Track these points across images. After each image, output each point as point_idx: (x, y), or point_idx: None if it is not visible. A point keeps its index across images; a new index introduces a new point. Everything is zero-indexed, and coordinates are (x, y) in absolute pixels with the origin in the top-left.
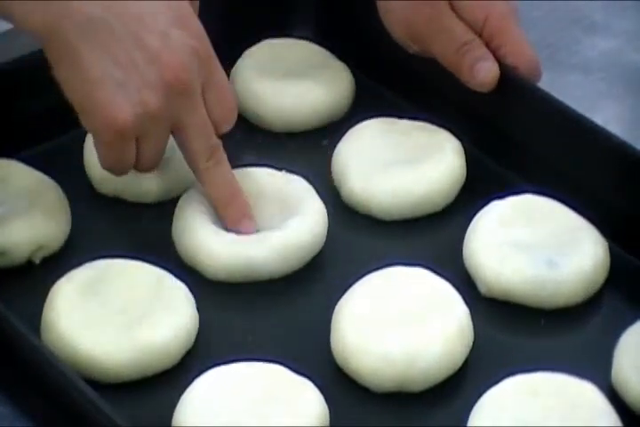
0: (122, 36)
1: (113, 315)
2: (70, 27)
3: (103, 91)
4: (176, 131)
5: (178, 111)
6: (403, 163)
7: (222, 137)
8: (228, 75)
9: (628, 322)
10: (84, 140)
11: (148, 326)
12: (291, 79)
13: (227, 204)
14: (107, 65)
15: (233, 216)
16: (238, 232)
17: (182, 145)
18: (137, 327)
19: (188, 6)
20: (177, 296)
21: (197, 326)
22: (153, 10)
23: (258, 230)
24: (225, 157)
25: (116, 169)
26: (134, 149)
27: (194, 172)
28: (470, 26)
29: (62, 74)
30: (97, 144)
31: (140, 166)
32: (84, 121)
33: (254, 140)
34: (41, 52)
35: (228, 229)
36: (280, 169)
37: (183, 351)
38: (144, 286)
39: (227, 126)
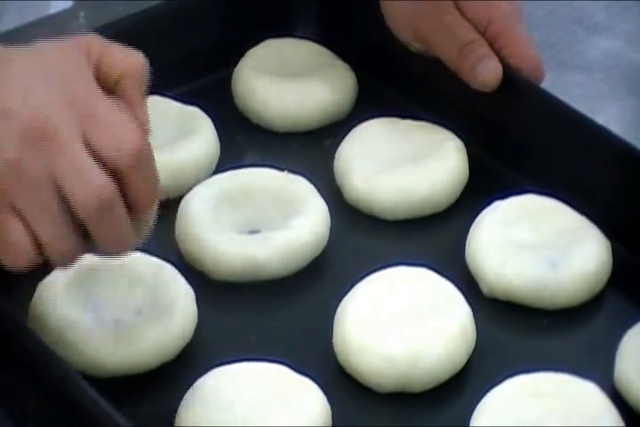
0: None
1: (111, 309)
2: None
3: None
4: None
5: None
6: (405, 163)
7: (223, 138)
8: (231, 75)
9: (631, 322)
10: None
11: (145, 321)
12: (293, 79)
13: None
14: None
15: None
16: None
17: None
18: (135, 322)
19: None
20: (176, 292)
21: (196, 321)
22: None
23: (260, 231)
24: None
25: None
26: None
27: None
28: (474, 26)
29: None
30: None
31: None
32: None
33: (256, 140)
34: None
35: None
36: (282, 169)
37: (180, 348)
38: (143, 281)
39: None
